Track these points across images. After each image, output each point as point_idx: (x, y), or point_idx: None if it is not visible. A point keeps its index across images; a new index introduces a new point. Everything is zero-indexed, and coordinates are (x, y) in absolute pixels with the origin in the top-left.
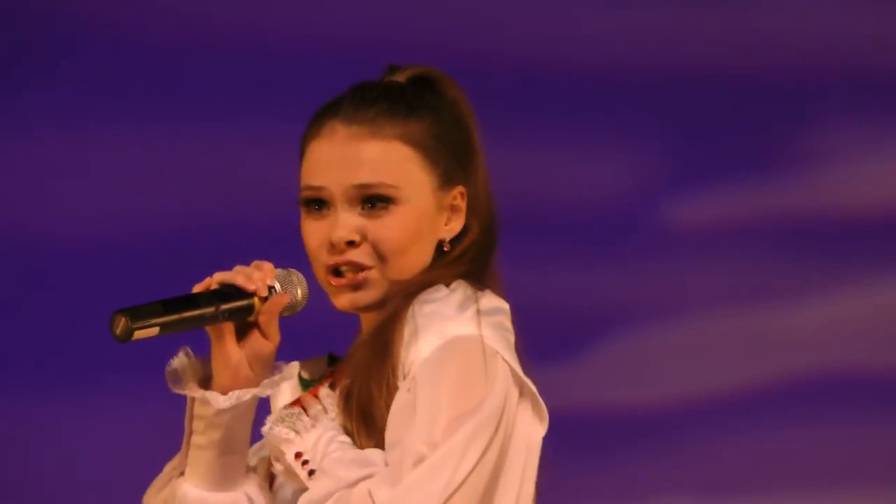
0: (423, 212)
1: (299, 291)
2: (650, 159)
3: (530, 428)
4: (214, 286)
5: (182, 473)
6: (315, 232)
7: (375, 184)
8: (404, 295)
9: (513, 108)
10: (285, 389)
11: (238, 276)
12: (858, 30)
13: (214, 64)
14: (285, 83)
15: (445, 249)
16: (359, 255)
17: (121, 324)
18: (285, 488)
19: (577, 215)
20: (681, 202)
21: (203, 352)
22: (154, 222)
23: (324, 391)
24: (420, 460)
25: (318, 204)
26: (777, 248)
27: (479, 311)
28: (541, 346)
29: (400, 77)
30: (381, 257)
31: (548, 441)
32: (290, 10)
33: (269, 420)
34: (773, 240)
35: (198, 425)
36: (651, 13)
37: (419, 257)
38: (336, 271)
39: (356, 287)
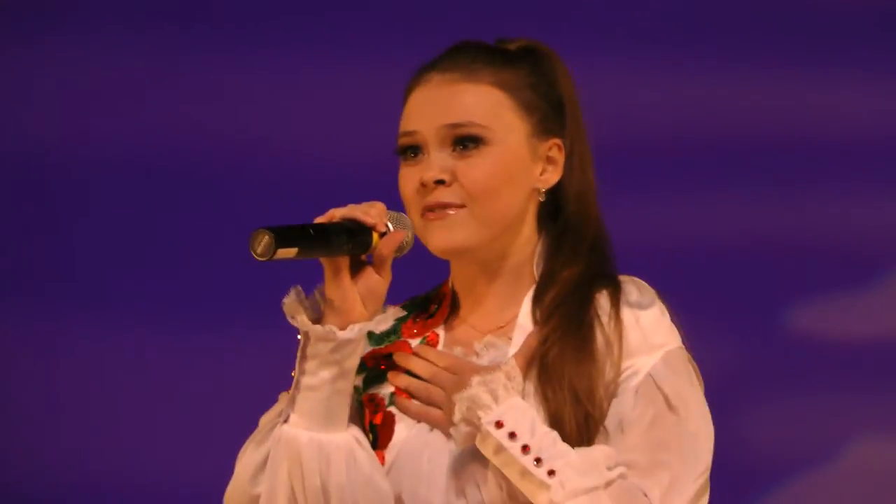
0: (516, 155)
1: (410, 233)
2: None
3: None
4: (336, 220)
5: (286, 420)
6: (409, 178)
7: (465, 122)
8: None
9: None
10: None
11: (357, 210)
12: None
13: None
14: None
15: (541, 200)
16: (449, 195)
17: (264, 241)
18: (409, 430)
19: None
20: None
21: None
22: None
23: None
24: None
25: (413, 150)
26: None
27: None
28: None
29: (507, 45)
30: (471, 197)
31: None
32: None
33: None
34: None
35: (310, 365)
36: None
37: (511, 201)
38: (428, 210)
39: (448, 226)
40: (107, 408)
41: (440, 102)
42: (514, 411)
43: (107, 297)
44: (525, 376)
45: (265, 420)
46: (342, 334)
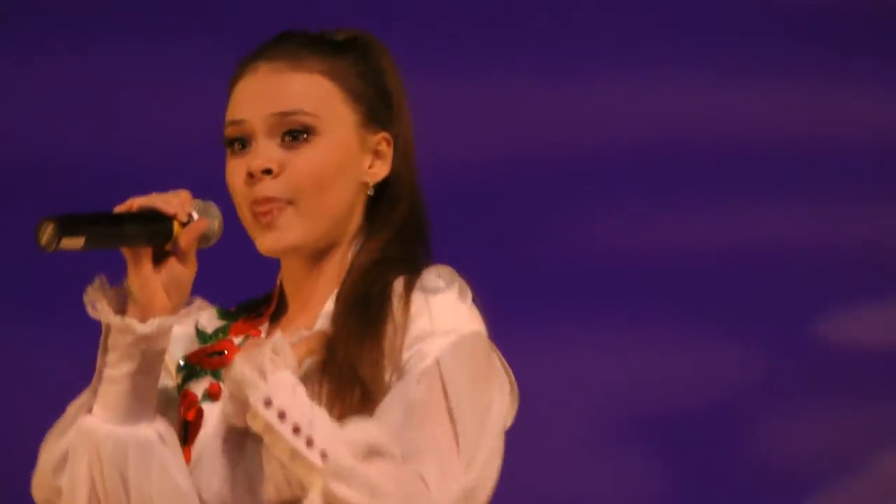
0: (346, 146)
1: (216, 222)
2: None
3: (510, 415)
4: (135, 209)
5: (90, 411)
6: (237, 168)
7: (295, 111)
8: (388, 273)
9: None
10: (181, 338)
11: (157, 199)
12: None
13: None
14: None
15: (369, 194)
16: (276, 188)
17: (48, 230)
18: (214, 426)
19: None
20: None
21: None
22: None
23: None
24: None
25: (241, 142)
26: None
27: (473, 302)
28: None
29: (334, 35)
30: (299, 191)
31: None
32: None
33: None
34: None
35: (112, 357)
36: None
37: (340, 195)
38: (253, 209)
39: (275, 225)
40: None
41: (268, 91)
42: (283, 388)
43: None
44: (310, 355)
45: (71, 409)
46: (141, 328)
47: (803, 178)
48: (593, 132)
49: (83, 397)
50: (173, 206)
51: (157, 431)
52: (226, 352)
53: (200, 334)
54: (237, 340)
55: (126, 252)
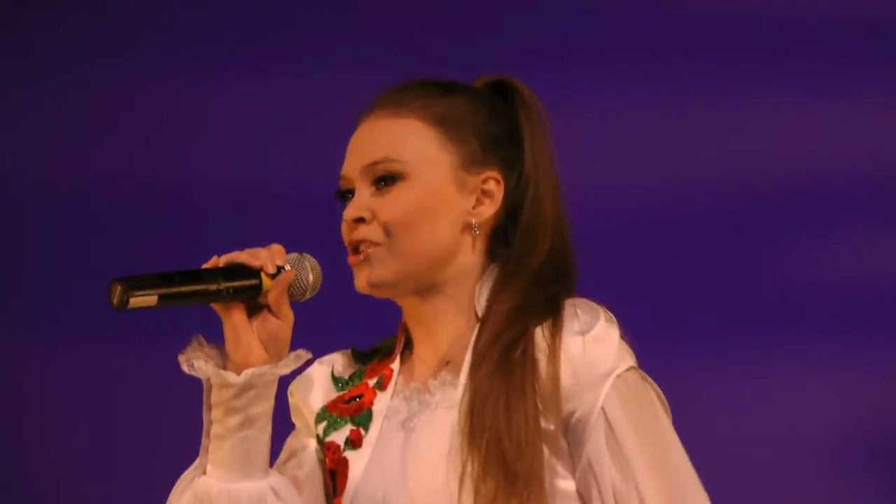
0: (436, 188)
1: (311, 275)
2: None
3: None
4: (221, 265)
5: (204, 472)
6: (343, 220)
7: (381, 160)
8: (529, 319)
9: None
10: (318, 388)
11: (242, 255)
12: None
13: None
14: None
15: (476, 233)
16: (368, 233)
17: (117, 292)
18: (382, 474)
19: None
20: None
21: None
22: None
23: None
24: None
25: (348, 193)
26: None
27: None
28: None
29: (475, 82)
30: (388, 233)
31: None
32: None
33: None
34: None
35: (216, 413)
36: None
37: (434, 235)
38: (353, 251)
39: (365, 263)
40: None
41: (365, 143)
42: None
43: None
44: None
45: (187, 472)
46: (235, 379)
47: None
48: (806, 160)
49: (198, 459)
50: (260, 260)
51: (270, 486)
52: (363, 395)
53: (336, 381)
54: (371, 382)
55: (216, 308)
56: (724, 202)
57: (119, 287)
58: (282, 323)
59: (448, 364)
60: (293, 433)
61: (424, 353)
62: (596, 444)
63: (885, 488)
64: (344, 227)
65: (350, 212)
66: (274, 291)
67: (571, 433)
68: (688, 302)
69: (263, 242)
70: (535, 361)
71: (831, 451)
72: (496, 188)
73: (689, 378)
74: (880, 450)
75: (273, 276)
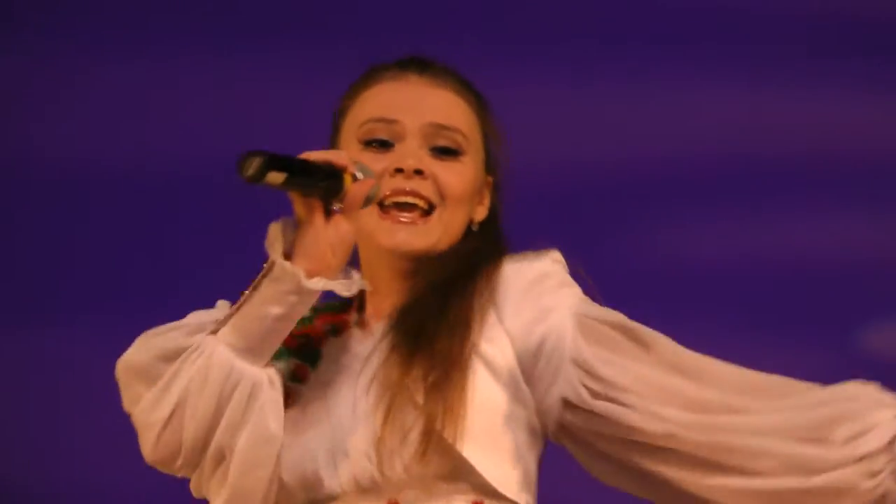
0: (478, 176)
1: (377, 184)
2: None
3: None
4: (312, 159)
5: (214, 331)
6: (376, 165)
7: (454, 128)
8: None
9: None
10: None
11: (329, 154)
12: None
13: None
14: None
15: (473, 230)
16: (425, 188)
17: (255, 164)
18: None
19: None
20: None
21: None
22: None
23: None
24: None
25: (385, 142)
26: None
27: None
28: None
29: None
30: (443, 199)
31: None
32: None
33: None
34: None
35: (263, 294)
36: None
37: (464, 217)
38: (398, 204)
39: (416, 231)
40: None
41: (427, 101)
42: None
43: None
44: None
45: (195, 318)
46: (306, 282)
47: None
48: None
49: (209, 315)
50: (344, 160)
51: (267, 375)
52: (311, 336)
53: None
54: (324, 327)
55: (300, 203)
56: (589, 181)
57: (259, 160)
58: (350, 229)
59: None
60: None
61: (378, 308)
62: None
63: None
64: (391, 175)
65: (412, 162)
66: (357, 194)
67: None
68: None
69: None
70: (475, 289)
71: None
72: (488, 193)
73: None
74: None
75: (354, 179)
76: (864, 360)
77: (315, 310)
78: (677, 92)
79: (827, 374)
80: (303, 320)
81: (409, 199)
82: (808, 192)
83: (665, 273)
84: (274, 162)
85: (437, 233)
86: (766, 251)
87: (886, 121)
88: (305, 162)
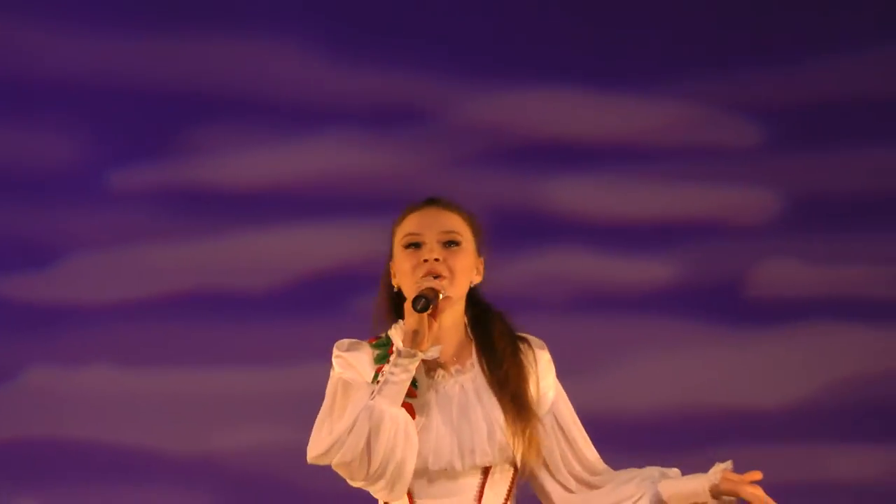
0: (471, 258)
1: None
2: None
3: None
4: (425, 289)
5: (371, 398)
6: (411, 259)
7: (454, 231)
8: (515, 338)
9: None
10: (366, 359)
11: (434, 283)
12: None
13: None
14: None
15: (473, 287)
16: (442, 269)
17: (423, 304)
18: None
19: None
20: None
21: None
22: None
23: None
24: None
25: (417, 245)
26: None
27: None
28: None
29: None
30: (452, 273)
31: None
32: None
33: None
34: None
35: (399, 368)
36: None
37: (467, 283)
38: (430, 276)
39: (442, 283)
40: None
41: (439, 220)
42: None
43: None
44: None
45: (357, 398)
46: (421, 355)
47: None
48: None
49: (361, 392)
50: (440, 287)
51: (404, 412)
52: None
53: (376, 358)
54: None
55: (415, 312)
56: None
57: (429, 303)
58: (435, 322)
59: (456, 358)
60: (351, 379)
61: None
62: (559, 411)
63: None
64: (412, 263)
65: (435, 255)
66: (440, 306)
67: (541, 403)
68: None
69: None
70: (520, 360)
71: None
72: (481, 268)
73: None
74: None
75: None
76: None
77: (382, 346)
78: None
79: None
80: (380, 357)
81: (436, 273)
82: None
83: None
84: (431, 304)
85: (453, 288)
86: None
87: None
88: (428, 298)
